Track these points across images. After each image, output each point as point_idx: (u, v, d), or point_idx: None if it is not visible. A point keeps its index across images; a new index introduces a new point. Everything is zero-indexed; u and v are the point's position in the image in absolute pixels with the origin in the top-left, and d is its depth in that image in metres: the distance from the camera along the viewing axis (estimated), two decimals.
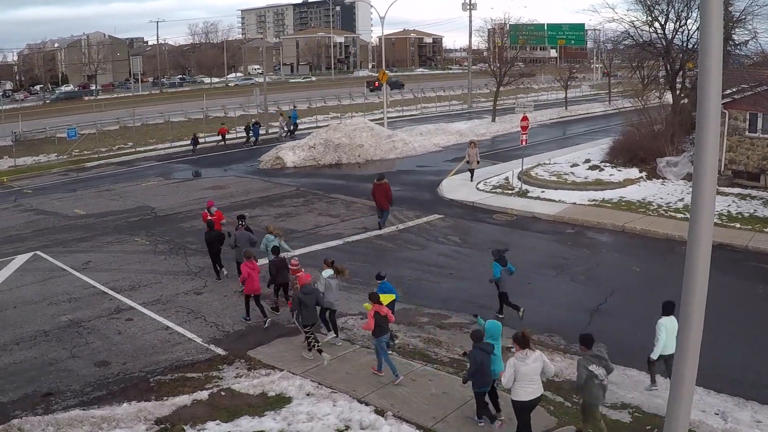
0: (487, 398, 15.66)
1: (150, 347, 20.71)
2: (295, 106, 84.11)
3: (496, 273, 21.91)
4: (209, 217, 27.81)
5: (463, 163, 44.65)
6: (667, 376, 16.81)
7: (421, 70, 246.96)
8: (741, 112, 37.44)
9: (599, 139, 56.88)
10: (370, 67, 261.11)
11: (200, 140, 65.02)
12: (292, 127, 69.04)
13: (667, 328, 16.89)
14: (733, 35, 47.08)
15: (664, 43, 47.65)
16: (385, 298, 19.27)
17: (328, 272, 20.78)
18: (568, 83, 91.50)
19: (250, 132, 66.82)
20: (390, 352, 18.83)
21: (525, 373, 14.01)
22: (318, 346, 19.59)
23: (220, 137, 66.40)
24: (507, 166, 46.47)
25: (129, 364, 19.59)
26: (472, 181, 42.54)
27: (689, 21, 46.51)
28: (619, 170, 41.42)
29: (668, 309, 17.23)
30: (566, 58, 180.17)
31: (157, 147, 65.06)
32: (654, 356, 17.23)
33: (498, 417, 15.65)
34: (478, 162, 43.98)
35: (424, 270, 27.16)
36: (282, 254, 23.90)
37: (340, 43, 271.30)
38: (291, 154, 52.78)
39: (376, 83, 78.06)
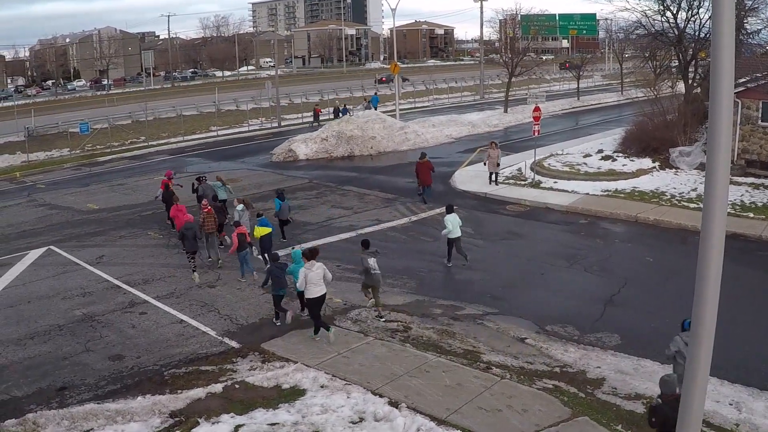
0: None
1: (164, 341, 20.77)
2: (376, 92, 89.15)
3: (277, 206, 30.28)
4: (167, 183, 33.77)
5: (474, 155, 43.23)
6: (459, 252, 26.42)
7: (432, 61, 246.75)
8: (754, 101, 37.25)
9: (612, 129, 56.71)
10: (381, 59, 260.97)
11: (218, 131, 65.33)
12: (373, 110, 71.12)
13: (451, 221, 26.18)
14: (746, 24, 46.96)
15: (676, 33, 47.52)
16: (263, 230, 26.29)
17: (240, 207, 28.31)
18: (580, 73, 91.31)
19: (340, 114, 70.31)
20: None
21: (312, 278, 19.73)
22: (194, 268, 26.07)
23: (313, 117, 71.71)
24: (519, 156, 46.36)
25: (143, 358, 19.65)
26: (497, 184, 39.23)
27: (701, 10, 46.45)
28: (632, 160, 41.31)
29: (449, 209, 26.88)
30: (578, 48, 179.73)
31: (169, 141, 65.16)
32: (451, 237, 26.15)
33: (290, 312, 21.63)
34: (498, 164, 39.98)
35: (438, 262, 27.15)
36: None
37: (352, 36, 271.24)
38: (303, 147, 52.78)
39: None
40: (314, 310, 20.10)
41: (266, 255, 24.23)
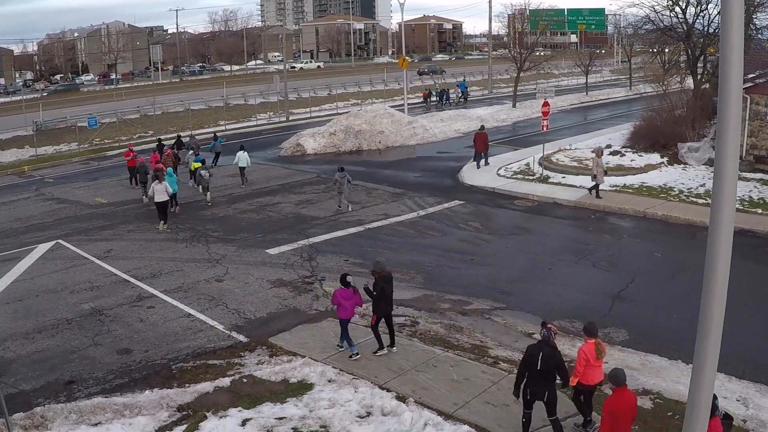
0: None
1: (172, 334, 20.81)
2: (464, 78, 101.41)
3: (212, 144, 47.74)
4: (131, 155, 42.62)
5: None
6: (242, 178, 41.45)
7: (441, 56, 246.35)
8: (762, 96, 37.12)
9: (620, 124, 56.52)
10: (390, 53, 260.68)
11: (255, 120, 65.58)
12: (460, 94, 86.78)
13: (239, 156, 40.86)
14: (755, 19, 46.79)
15: (685, 28, 47.43)
16: (196, 165, 39.10)
17: (190, 152, 42.20)
18: (589, 68, 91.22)
19: (444, 96, 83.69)
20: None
21: (158, 189, 31.92)
22: (144, 194, 37.59)
23: (423, 100, 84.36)
24: (528, 151, 46.38)
25: (151, 352, 19.70)
26: (599, 197, 34.28)
27: (710, 5, 46.33)
28: (641, 156, 41.24)
29: (242, 148, 41.64)
30: (586, 43, 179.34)
31: (178, 135, 65.11)
32: (240, 166, 40.86)
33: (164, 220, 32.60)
34: (606, 172, 35.33)
35: (445, 256, 27.15)
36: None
37: (360, 30, 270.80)
38: (311, 141, 52.81)
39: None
40: (159, 209, 32.21)
41: (194, 179, 39.52)
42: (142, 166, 38.83)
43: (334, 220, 32.77)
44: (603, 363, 14.69)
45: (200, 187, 38.02)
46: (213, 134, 51.84)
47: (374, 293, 18.01)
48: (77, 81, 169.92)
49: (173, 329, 21.20)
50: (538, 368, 13.80)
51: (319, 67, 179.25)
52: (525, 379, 14.11)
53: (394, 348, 18.69)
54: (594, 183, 34.40)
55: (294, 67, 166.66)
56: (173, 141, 50.16)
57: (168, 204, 33.15)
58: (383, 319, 18.49)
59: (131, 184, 42.39)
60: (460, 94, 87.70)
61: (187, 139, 49.61)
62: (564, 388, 14.61)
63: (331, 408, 15.67)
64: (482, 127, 45.53)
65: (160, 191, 32.18)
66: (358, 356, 18.34)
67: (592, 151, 36.26)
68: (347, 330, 18.48)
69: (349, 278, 18.24)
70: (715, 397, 12.24)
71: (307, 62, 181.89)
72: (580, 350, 14.43)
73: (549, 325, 14.14)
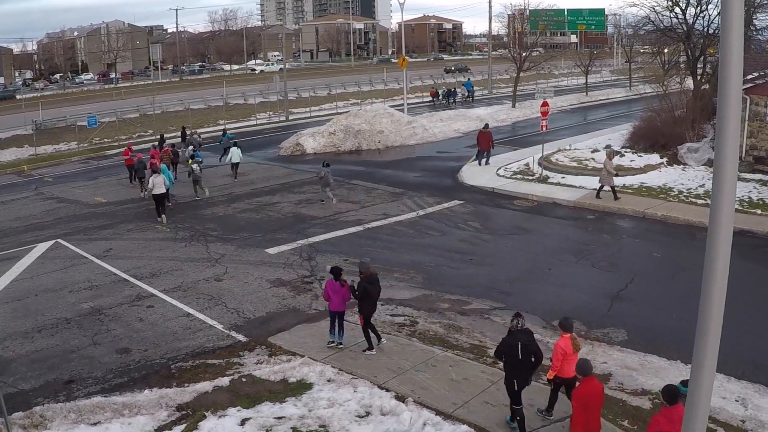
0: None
1: (171, 334, 20.79)
2: (468, 78, 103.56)
3: (220, 140, 49.50)
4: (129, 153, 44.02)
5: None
6: (233, 171, 43.07)
7: (440, 56, 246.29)
8: (762, 97, 37.08)
9: (620, 124, 56.49)
10: (389, 53, 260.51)
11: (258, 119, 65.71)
12: (466, 94, 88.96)
13: (232, 151, 42.55)
14: (755, 20, 46.76)
15: (685, 29, 47.44)
16: (191, 160, 39.68)
17: (190, 147, 44.83)
18: (589, 69, 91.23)
19: (450, 95, 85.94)
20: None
21: (157, 182, 33.03)
22: (143, 190, 38.59)
23: (431, 98, 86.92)
24: (527, 151, 46.39)
25: (150, 351, 19.68)
26: (617, 198, 33.81)
27: (710, 6, 46.32)
28: (640, 156, 41.23)
29: (235, 144, 43.67)
30: (586, 43, 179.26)
31: (177, 135, 64.98)
32: (233, 161, 42.45)
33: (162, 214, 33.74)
34: (616, 174, 34.84)
35: (445, 256, 27.13)
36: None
37: (360, 30, 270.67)
38: (311, 141, 52.79)
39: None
40: (157, 202, 33.45)
41: (191, 175, 38.53)
42: (140, 162, 39.98)
43: (333, 219, 32.76)
44: (602, 363, 14.70)
45: (191, 178, 38.65)
46: (222, 130, 55.29)
47: (357, 293, 18.23)
48: (77, 80, 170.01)
49: (172, 329, 21.18)
50: (520, 358, 14.19)
51: (281, 69, 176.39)
52: (508, 372, 14.54)
53: (383, 340, 19.00)
54: (601, 184, 34.32)
55: (254, 70, 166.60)
56: (179, 137, 53.47)
57: (165, 197, 34.30)
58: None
59: (131, 182, 42.82)
60: (466, 94, 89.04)
61: (189, 134, 51.51)
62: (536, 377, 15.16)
63: (330, 407, 15.66)
64: (486, 125, 46.87)
65: (159, 183, 33.45)
66: (333, 344, 19.14)
67: (593, 151, 36.23)
68: (334, 322, 19.10)
69: (330, 269, 19.12)
70: (683, 384, 12.27)
71: (268, 65, 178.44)
72: (556, 345, 14.75)
73: (522, 315, 14.66)
